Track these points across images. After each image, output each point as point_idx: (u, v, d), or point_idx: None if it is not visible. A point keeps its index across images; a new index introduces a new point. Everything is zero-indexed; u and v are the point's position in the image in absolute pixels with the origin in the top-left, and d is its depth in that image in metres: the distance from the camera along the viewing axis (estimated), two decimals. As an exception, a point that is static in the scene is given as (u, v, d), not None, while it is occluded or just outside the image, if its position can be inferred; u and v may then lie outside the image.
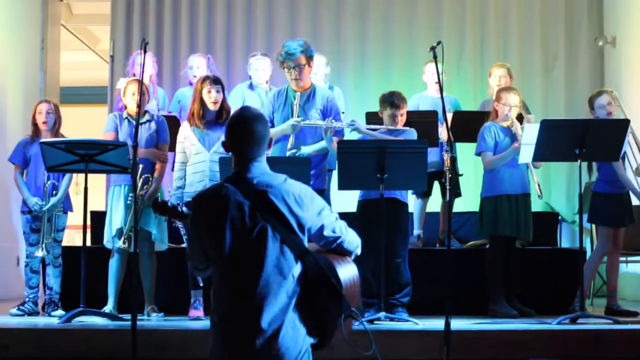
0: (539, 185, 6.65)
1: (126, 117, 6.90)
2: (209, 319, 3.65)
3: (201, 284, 6.54)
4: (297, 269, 3.57)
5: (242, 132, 3.71)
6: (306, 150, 6.49)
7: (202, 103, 6.68)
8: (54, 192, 7.04)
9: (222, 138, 6.56)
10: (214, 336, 3.60)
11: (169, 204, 3.92)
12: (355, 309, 3.60)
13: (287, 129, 6.49)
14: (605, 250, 6.95)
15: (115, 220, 6.74)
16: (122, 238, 6.64)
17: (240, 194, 3.59)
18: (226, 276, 3.57)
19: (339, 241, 3.73)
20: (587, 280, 6.76)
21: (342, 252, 3.75)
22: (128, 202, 6.62)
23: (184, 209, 3.91)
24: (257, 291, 3.50)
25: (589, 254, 7.34)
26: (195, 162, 6.66)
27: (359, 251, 3.83)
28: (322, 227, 3.69)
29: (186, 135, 6.73)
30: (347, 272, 3.66)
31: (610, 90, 7.15)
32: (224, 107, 6.77)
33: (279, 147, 6.55)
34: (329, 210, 3.75)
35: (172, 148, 7.19)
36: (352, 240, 3.79)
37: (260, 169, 3.69)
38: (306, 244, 3.64)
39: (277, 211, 3.58)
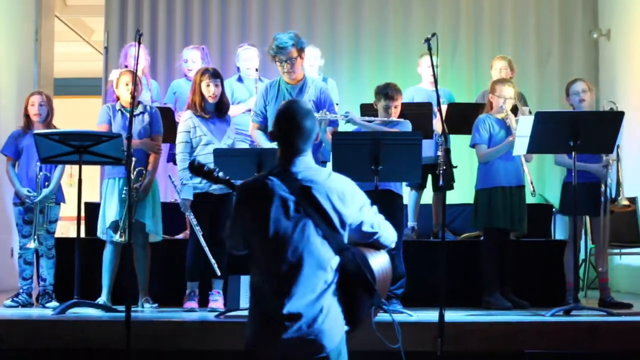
0: (532, 183, 6.67)
1: (119, 109, 6.89)
2: (250, 306, 3.71)
3: (218, 273, 6.52)
4: (335, 260, 3.65)
5: (290, 125, 3.77)
6: None
7: (202, 96, 6.67)
8: (46, 183, 7.02)
9: (228, 132, 6.63)
10: (251, 323, 3.68)
11: (205, 167, 3.98)
12: (384, 300, 3.72)
13: None
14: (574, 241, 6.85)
15: (110, 213, 6.73)
16: (119, 232, 6.63)
17: (285, 188, 3.66)
18: (265, 266, 3.64)
19: (376, 237, 3.83)
20: (570, 273, 6.75)
21: (378, 246, 3.85)
22: (123, 195, 6.61)
23: (220, 173, 3.99)
24: (295, 283, 3.58)
25: (583, 245, 7.35)
26: (206, 152, 6.55)
27: (393, 245, 3.93)
28: (361, 223, 3.77)
29: (193, 125, 6.68)
30: (381, 264, 3.78)
31: (585, 80, 7.17)
32: (222, 100, 6.76)
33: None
34: (368, 205, 3.83)
35: (166, 139, 7.17)
36: (389, 235, 3.88)
37: (305, 164, 3.75)
38: (346, 239, 3.72)
39: (320, 207, 3.65)
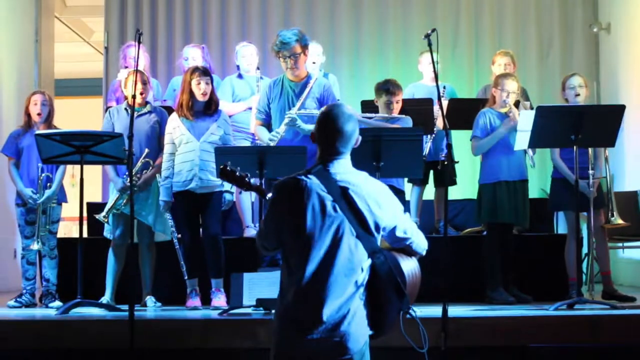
0: (532, 157, 6.68)
1: (125, 108, 6.91)
2: (277, 305, 3.72)
3: (185, 277, 6.64)
4: (367, 263, 3.66)
5: (331, 128, 3.78)
6: (303, 125, 6.47)
7: (191, 94, 6.67)
8: (48, 184, 7.03)
9: (211, 128, 6.64)
10: (278, 323, 3.69)
11: (237, 173, 3.99)
12: (412, 306, 3.71)
13: (283, 129, 6.51)
14: (575, 235, 6.83)
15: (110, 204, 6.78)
16: (104, 213, 6.66)
17: (323, 187, 3.67)
18: (299, 264, 3.63)
19: (408, 242, 3.83)
20: (572, 267, 6.75)
21: (410, 252, 3.85)
22: (124, 177, 6.64)
23: (252, 180, 4.02)
24: (327, 283, 3.59)
25: (585, 240, 7.34)
26: (185, 151, 6.65)
27: (424, 253, 3.92)
28: (394, 228, 3.78)
29: (175, 125, 6.72)
30: (411, 269, 3.78)
31: (581, 75, 7.16)
32: (212, 98, 6.77)
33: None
34: (402, 210, 3.84)
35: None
36: (421, 242, 3.88)
37: (344, 166, 3.77)
38: (379, 243, 3.72)
39: (356, 209, 3.66)
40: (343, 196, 3.66)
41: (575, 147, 6.23)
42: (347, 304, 3.59)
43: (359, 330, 3.62)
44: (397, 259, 3.72)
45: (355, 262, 3.62)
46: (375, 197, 3.71)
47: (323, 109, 3.93)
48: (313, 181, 3.68)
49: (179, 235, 6.81)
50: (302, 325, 3.59)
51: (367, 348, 3.69)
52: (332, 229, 3.62)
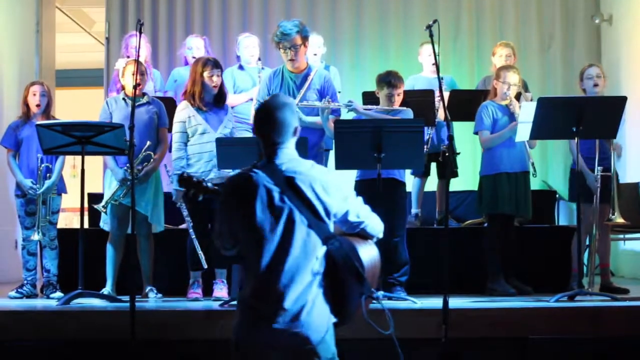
0: (533, 164, 6.69)
1: (123, 98, 6.89)
2: (238, 297, 3.77)
3: (205, 266, 6.55)
4: (321, 250, 3.68)
5: (267, 118, 3.84)
6: (303, 117, 6.48)
7: (203, 86, 6.66)
8: (48, 174, 7.02)
9: (225, 121, 6.65)
10: (240, 314, 3.72)
11: (194, 178, 4.02)
12: (374, 290, 3.73)
13: None
14: (583, 226, 6.82)
15: (108, 193, 6.77)
16: (103, 203, 6.67)
17: (269, 180, 3.71)
18: (254, 258, 3.66)
19: (362, 226, 3.85)
20: (575, 259, 6.75)
21: (365, 235, 3.87)
22: (125, 168, 6.64)
23: (209, 184, 4.03)
24: (283, 273, 3.61)
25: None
26: (202, 142, 6.62)
27: (381, 235, 3.95)
28: (347, 213, 3.81)
29: (189, 114, 6.69)
30: (369, 253, 3.80)
31: (600, 65, 7.16)
32: (222, 90, 6.76)
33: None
34: (354, 195, 3.87)
35: (168, 129, 7.18)
36: (375, 225, 3.91)
37: (288, 155, 3.81)
38: (332, 229, 3.75)
39: (304, 197, 3.69)
40: (290, 186, 3.69)
41: (577, 139, 6.22)
42: (305, 293, 3.61)
43: (319, 320, 3.63)
44: (352, 243, 3.74)
45: (309, 250, 3.64)
46: (322, 183, 3.73)
47: (256, 107, 3.99)
48: (259, 175, 3.72)
49: (183, 226, 6.79)
50: (264, 315, 3.61)
51: (331, 337, 3.70)
52: (283, 220, 3.64)
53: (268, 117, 3.83)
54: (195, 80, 6.69)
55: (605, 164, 6.71)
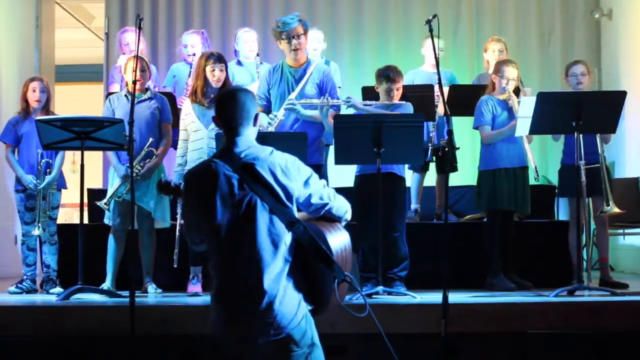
0: (535, 168, 6.68)
1: (125, 95, 6.89)
2: (210, 292, 3.75)
3: (175, 265, 6.59)
4: (287, 237, 3.68)
5: (225, 107, 3.86)
6: (302, 111, 6.48)
7: (205, 81, 6.66)
8: (48, 170, 7.02)
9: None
10: (215, 307, 3.72)
11: (172, 183, 4.07)
12: (349, 274, 3.71)
13: (282, 112, 6.52)
14: (575, 222, 6.79)
15: (111, 189, 6.78)
16: (105, 200, 6.67)
17: (228, 167, 3.71)
18: (220, 248, 3.67)
19: (327, 208, 3.85)
20: (573, 254, 6.75)
21: (332, 218, 3.87)
22: (127, 165, 6.64)
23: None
24: (252, 261, 3.61)
25: (585, 227, 7.34)
26: (195, 139, 6.65)
27: (348, 216, 3.95)
28: (309, 196, 3.81)
29: (187, 112, 6.72)
30: (338, 238, 3.80)
31: (585, 61, 7.15)
32: (226, 84, 6.75)
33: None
34: (316, 178, 3.87)
35: (174, 125, 7.19)
36: (340, 206, 3.90)
37: (247, 142, 3.82)
38: (295, 213, 3.75)
39: (264, 183, 3.69)
40: (249, 172, 3.70)
41: (576, 134, 6.22)
42: (278, 279, 3.61)
43: (290, 308, 3.63)
44: (318, 228, 3.74)
45: (275, 236, 3.65)
46: (282, 167, 3.74)
47: (218, 94, 4.01)
48: (219, 164, 3.72)
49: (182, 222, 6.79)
50: (237, 308, 3.62)
51: (307, 324, 3.71)
52: (243, 207, 3.65)
53: (229, 105, 3.84)
54: (198, 74, 6.70)
55: (594, 158, 6.68)
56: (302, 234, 3.68)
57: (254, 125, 3.89)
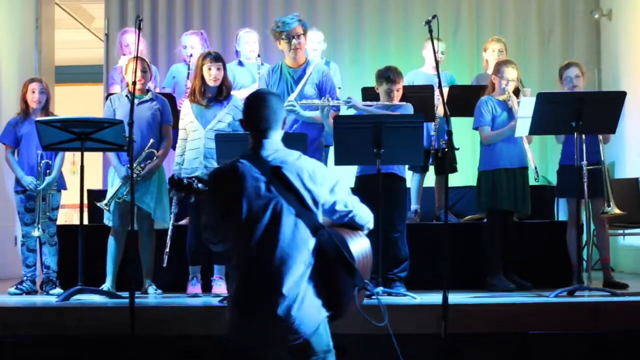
0: (535, 169, 6.68)
1: (126, 95, 6.88)
2: (229, 293, 3.76)
3: (164, 264, 6.59)
4: (311, 242, 3.66)
5: (255, 110, 3.84)
6: (301, 112, 6.48)
7: (203, 80, 6.66)
8: (48, 171, 7.02)
9: (219, 116, 6.65)
10: (233, 308, 3.70)
11: (185, 181, 3.99)
12: (367, 281, 3.70)
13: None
14: (574, 222, 6.81)
15: (111, 190, 6.78)
16: (106, 200, 6.67)
17: (256, 169, 3.70)
18: (243, 250, 3.65)
19: (350, 215, 3.84)
20: (573, 254, 6.75)
21: (354, 226, 3.86)
22: (128, 166, 6.63)
23: (200, 185, 3.99)
24: (274, 263, 3.60)
25: (585, 227, 7.34)
26: (192, 139, 6.66)
27: (371, 225, 3.93)
28: (334, 202, 3.79)
29: (186, 112, 6.73)
30: (360, 245, 3.79)
31: (578, 63, 7.15)
32: (224, 84, 6.75)
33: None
34: (341, 185, 3.85)
35: (173, 126, 7.19)
36: (364, 214, 3.89)
37: (275, 146, 3.81)
38: (320, 219, 3.73)
39: (291, 187, 3.69)
40: (276, 175, 3.69)
41: (576, 135, 6.21)
42: (299, 284, 3.59)
43: (310, 313, 3.62)
44: (342, 235, 3.73)
45: (299, 241, 3.63)
46: (310, 173, 3.73)
47: (246, 96, 3.99)
48: (245, 165, 3.70)
49: (178, 223, 6.80)
50: (256, 311, 3.60)
51: (324, 330, 3.70)
52: (269, 210, 3.63)
53: (258, 108, 3.83)
54: (196, 74, 6.71)
55: (595, 158, 6.67)
56: (326, 240, 3.67)
57: (282, 128, 3.88)
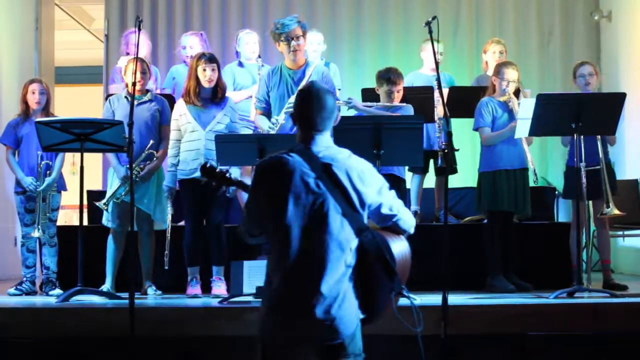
0: (534, 171, 6.69)
1: (125, 96, 6.89)
2: (264, 288, 3.66)
3: (166, 266, 6.63)
4: (354, 242, 3.59)
5: (311, 103, 3.75)
6: None
7: (198, 81, 6.67)
8: (48, 172, 7.03)
9: (218, 117, 6.65)
10: (269, 305, 3.62)
11: (218, 169, 3.92)
12: (404, 286, 3.65)
13: (282, 116, 6.52)
14: (576, 223, 6.79)
15: (110, 191, 6.78)
16: (104, 200, 6.69)
17: (306, 165, 3.62)
18: (286, 247, 3.56)
19: (395, 219, 3.77)
20: (574, 255, 6.75)
21: (397, 230, 3.78)
22: (127, 166, 6.63)
23: (233, 175, 3.93)
24: (316, 262, 3.53)
25: (585, 228, 7.34)
26: (191, 139, 6.66)
27: (412, 231, 3.86)
28: (380, 205, 3.72)
29: (182, 112, 6.72)
30: (401, 248, 3.72)
31: (593, 63, 7.16)
32: (219, 85, 6.75)
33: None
34: (387, 188, 3.78)
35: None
36: (408, 219, 3.82)
37: (325, 142, 3.74)
38: (365, 220, 3.67)
39: (340, 185, 3.61)
40: (326, 173, 3.61)
41: (576, 136, 6.22)
42: (339, 283, 3.53)
43: (349, 314, 3.56)
44: (385, 237, 3.65)
45: (343, 240, 3.56)
46: (359, 172, 3.66)
47: (300, 87, 3.91)
48: (295, 159, 3.63)
49: (177, 224, 6.80)
50: (293, 309, 3.54)
51: (358, 332, 3.64)
52: (316, 207, 3.56)
53: (315, 101, 3.74)
54: (191, 75, 6.71)
55: (595, 159, 6.68)
56: (369, 242, 3.60)
57: (333, 124, 3.81)
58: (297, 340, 3.58)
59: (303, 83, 6.59)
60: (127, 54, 8.07)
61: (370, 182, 3.69)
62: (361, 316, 3.63)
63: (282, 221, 3.57)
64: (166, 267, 6.62)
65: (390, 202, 3.75)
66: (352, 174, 3.64)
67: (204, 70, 6.64)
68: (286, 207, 3.56)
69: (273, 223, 3.62)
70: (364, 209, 3.66)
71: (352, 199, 3.62)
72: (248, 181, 3.89)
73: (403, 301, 3.67)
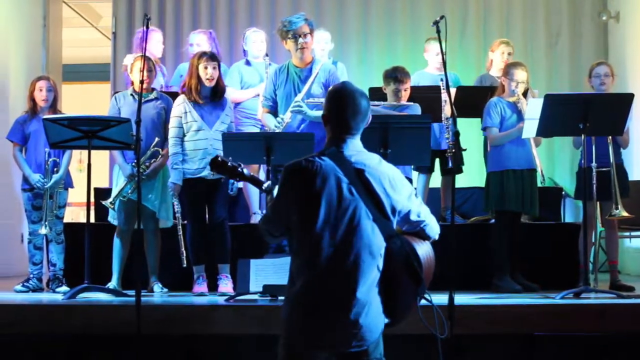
0: (542, 171, 6.68)
1: (131, 94, 6.90)
2: (288, 290, 3.62)
3: (184, 264, 6.61)
4: (383, 248, 3.58)
5: (346, 105, 3.69)
6: (309, 112, 6.47)
7: (199, 78, 6.66)
8: (55, 169, 7.04)
9: (222, 117, 6.65)
10: (295, 308, 3.57)
11: (229, 163, 3.87)
12: (428, 292, 3.63)
13: (288, 115, 6.51)
14: (584, 224, 6.79)
15: (116, 189, 6.79)
16: (111, 199, 6.70)
17: (339, 170, 3.58)
18: (317, 249, 3.53)
19: (422, 225, 3.76)
20: (582, 256, 6.74)
21: (423, 236, 3.77)
22: (133, 164, 6.63)
23: (245, 170, 3.89)
24: (350, 267, 3.50)
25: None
26: (197, 138, 6.64)
27: (437, 237, 3.83)
28: (410, 211, 3.71)
29: (185, 110, 6.69)
30: (426, 253, 3.69)
31: (610, 64, 7.15)
32: (219, 84, 6.74)
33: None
34: (414, 193, 3.77)
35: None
36: (434, 226, 3.81)
37: (356, 146, 3.70)
38: (395, 226, 3.65)
39: (372, 192, 3.59)
40: (359, 178, 3.57)
41: (583, 136, 6.21)
42: (370, 290, 3.51)
43: (375, 320, 3.54)
44: (412, 243, 3.63)
45: (374, 246, 3.53)
46: (390, 179, 3.63)
47: (333, 86, 3.86)
48: (328, 163, 3.59)
49: (184, 222, 6.80)
50: (320, 313, 3.50)
51: (381, 339, 3.63)
52: (349, 213, 3.53)
53: (351, 102, 3.68)
54: (192, 73, 6.70)
55: (606, 161, 6.67)
56: (397, 249, 3.58)
57: (364, 128, 3.76)
58: (320, 343, 3.54)
59: (310, 81, 6.60)
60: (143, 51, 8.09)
61: (401, 189, 3.67)
62: (386, 321, 3.61)
63: (313, 225, 3.53)
64: (184, 265, 6.61)
65: (418, 208, 3.74)
66: (384, 181, 3.62)
67: (205, 68, 6.64)
68: (318, 211, 3.53)
69: (302, 226, 3.58)
70: (394, 215, 3.65)
71: (383, 206, 3.60)
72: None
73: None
